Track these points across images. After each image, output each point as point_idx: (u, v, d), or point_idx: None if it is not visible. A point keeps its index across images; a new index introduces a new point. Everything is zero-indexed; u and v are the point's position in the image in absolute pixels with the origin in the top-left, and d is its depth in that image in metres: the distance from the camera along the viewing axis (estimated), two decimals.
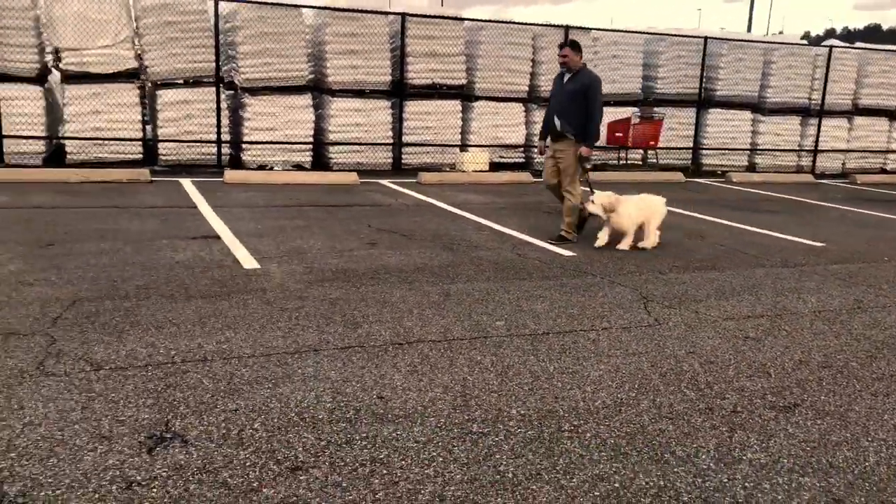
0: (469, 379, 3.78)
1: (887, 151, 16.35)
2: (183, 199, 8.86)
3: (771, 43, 15.57)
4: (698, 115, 14.64)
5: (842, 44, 16.28)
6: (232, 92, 12.30)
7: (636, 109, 13.96)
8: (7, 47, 10.48)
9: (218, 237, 6.85)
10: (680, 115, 14.55)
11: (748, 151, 15.21)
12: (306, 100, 12.03)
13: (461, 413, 3.38)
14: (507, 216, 8.71)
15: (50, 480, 2.67)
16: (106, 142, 11.03)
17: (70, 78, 10.99)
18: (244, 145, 11.85)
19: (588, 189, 7.39)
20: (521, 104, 13.45)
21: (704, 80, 14.51)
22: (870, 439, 3.31)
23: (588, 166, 7.51)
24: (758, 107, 14.99)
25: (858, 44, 16.65)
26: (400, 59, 12.51)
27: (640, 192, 7.54)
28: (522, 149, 13.62)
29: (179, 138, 11.41)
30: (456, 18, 12.98)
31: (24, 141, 10.70)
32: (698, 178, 13.82)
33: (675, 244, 7.49)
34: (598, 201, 7.07)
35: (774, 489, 2.83)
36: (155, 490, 2.64)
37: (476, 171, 12.41)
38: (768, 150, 15.23)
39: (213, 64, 11.42)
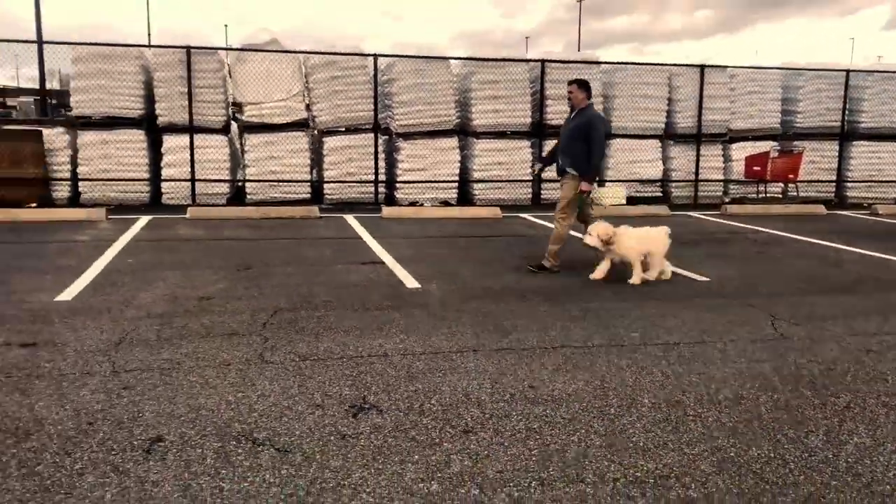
0: (607, 376, 4.41)
1: None
2: (348, 232, 10.02)
3: None
4: (841, 147, 14.50)
5: None
6: (387, 137, 13.57)
7: (775, 143, 14.07)
8: (202, 104, 12.22)
9: (383, 262, 7.85)
10: (821, 148, 14.50)
11: None
12: (453, 142, 13.08)
13: (600, 400, 4.03)
14: None
15: (286, 431, 3.56)
16: (279, 183, 12.51)
17: (250, 128, 12.59)
18: (397, 184, 13.01)
19: (587, 223, 7.47)
20: (657, 140, 13.92)
21: (847, 112, 14.38)
22: None
23: (589, 201, 7.55)
24: None
25: None
26: (539, 102, 13.36)
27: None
28: (659, 183, 14.03)
29: (342, 179, 12.74)
30: (592, 62, 13.68)
31: (212, 183, 12.34)
32: (842, 211, 13.66)
33: (809, 271, 7.75)
34: (595, 232, 6.99)
35: (875, 464, 3.29)
36: (362, 441, 3.47)
37: (613, 205, 12.94)
38: None
39: (372, 112, 12.73)
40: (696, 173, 14.12)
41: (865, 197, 14.58)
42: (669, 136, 14.16)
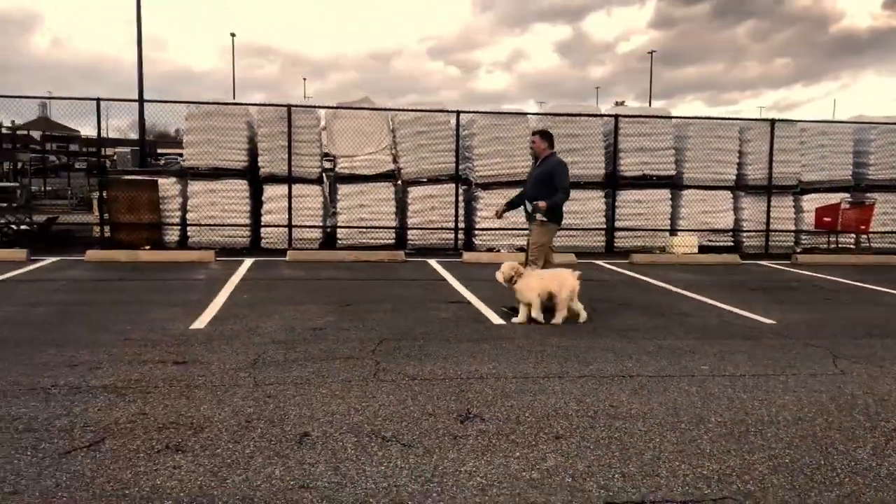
0: (678, 400, 5.02)
1: None
2: (433, 274, 10.85)
3: None
4: None
5: None
6: (466, 187, 14.46)
7: (846, 195, 14.36)
8: (300, 156, 13.39)
9: (469, 302, 8.60)
10: (895, 200, 14.69)
11: None
12: None
13: (672, 417, 4.64)
14: (714, 291, 9.74)
15: (407, 431, 4.30)
16: (368, 229, 13.50)
17: (342, 178, 13.67)
18: (476, 231, 13.84)
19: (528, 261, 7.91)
20: (728, 191, 14.41)
21: None
22: None
23: (537, 217, 7.87)
24: None
25: None
26: (613, 154, 14.07)
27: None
28: (731, 233, 14.48)
29: (424, 226, 13.65)
30: (665, 117, 14.35)
31: (306, 229, 13.41)
32: None
33: (875, 317, 8.14)
34: (502, 269, 7.31)
35: None
36: (471, 441, 4.18)
37: (685, 254, 13.44)
38: None
39: (453, 164, 13.67)
40: (767, 223, 14.51)
41: None
42: (741, 187, 14.63)
